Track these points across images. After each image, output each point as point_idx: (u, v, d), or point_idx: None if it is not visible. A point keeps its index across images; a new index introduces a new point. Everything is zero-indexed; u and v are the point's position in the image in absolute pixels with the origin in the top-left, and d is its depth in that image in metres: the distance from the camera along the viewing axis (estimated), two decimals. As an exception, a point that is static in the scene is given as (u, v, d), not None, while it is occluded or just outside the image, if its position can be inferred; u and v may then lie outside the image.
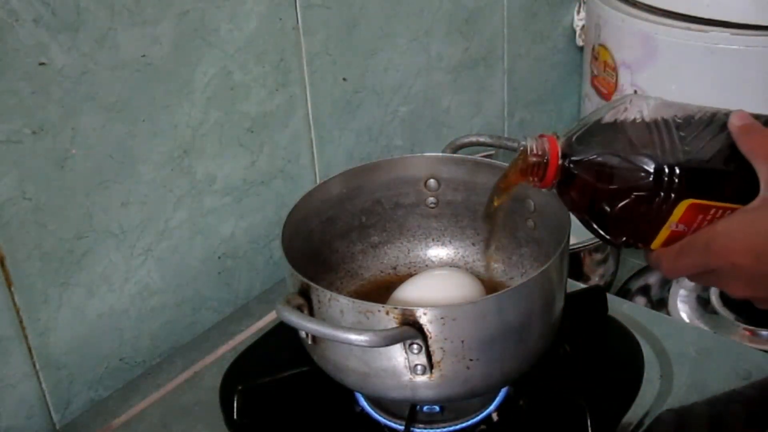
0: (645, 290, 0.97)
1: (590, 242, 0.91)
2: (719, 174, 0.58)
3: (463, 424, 0.68)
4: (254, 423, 0.69)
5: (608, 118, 0.60)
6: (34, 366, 0.71)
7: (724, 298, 0.91)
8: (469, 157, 0.77)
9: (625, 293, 0.96)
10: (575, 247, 0.90)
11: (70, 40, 0.66)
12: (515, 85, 1.12)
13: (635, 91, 1.01)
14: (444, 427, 0.67)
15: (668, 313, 0.91)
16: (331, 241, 0.76)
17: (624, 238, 0.61)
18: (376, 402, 0.70)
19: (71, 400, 0.75)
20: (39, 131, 0.66)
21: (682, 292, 0.94)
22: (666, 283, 0.96)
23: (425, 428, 0.67)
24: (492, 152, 0.98)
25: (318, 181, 0.89)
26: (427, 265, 0.79)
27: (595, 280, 0.93)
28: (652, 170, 0.57)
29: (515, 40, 1.08)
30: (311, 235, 0.73)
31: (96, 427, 0.71)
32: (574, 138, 0.60)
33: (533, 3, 1.09)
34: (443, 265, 0.79)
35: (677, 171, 0.57)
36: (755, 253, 0.56)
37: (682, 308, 0.91)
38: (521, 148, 0.61)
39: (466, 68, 1.03)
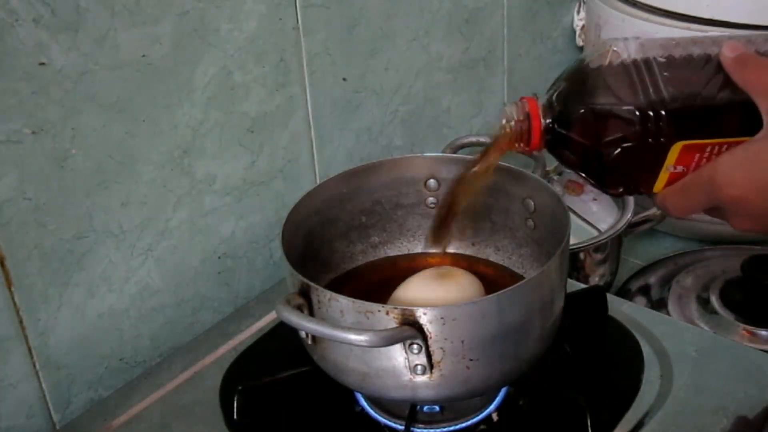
0: (645, 290, 0.97)
1: (590, 242, 0.91)
2: (709, 111, 0.57)
3: (463, 424, 0.68)
4: (254, 423, 0.69)
5: (588, 68, 0.58)
6: (34, 366, 0.71)
7: (724, 298, 0.91)
8: (469, 157, 0.76)
9: (625, 293, 0.96)
10: (575, 247, 0.90)
11: (70, 40, 0.66)
12: (515, 85, 1.12)
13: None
14: (444, 427, 0.67)
15: (668, 313, 0.91)
16: (331, 241, 0.76)
17: (621, 189, 0.60)
18: (376, 402, 0.70)
19: (71, 400, 0.75)
20: (39, 131, 0.66)
21: (682, 292, 0.94)
22: (666, 283, 0.96)
23: (425, 428, 0.67)
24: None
25: (318, 181, 0.89)
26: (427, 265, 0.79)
27: (595, 280, 0.93)
28: (636, 119, 0.55)
29: (515, 40, 1.08)
30: (311, 235, 0.73)
31: (96, 427, 0.71)
32: (554, 96, 0.59)
33: (533, 3, 1.09)
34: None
35: (663, 115, 0.55)
36: (758, 185, 0.55)
37: (682, 308, 0.91)
38: (503, 115, 0.60)
39: (466, 68, 1.03)
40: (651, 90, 0.56)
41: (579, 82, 0.59)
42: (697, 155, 0.57)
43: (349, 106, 0.90)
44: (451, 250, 0.79)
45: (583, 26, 1.14)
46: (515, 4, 1.06)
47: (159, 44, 0.72)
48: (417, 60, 0.96)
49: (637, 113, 0.55)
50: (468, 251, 0.79)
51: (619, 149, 0.56)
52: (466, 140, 0.96)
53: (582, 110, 0.57)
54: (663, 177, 0.58)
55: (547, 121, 0.59)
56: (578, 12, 1.15)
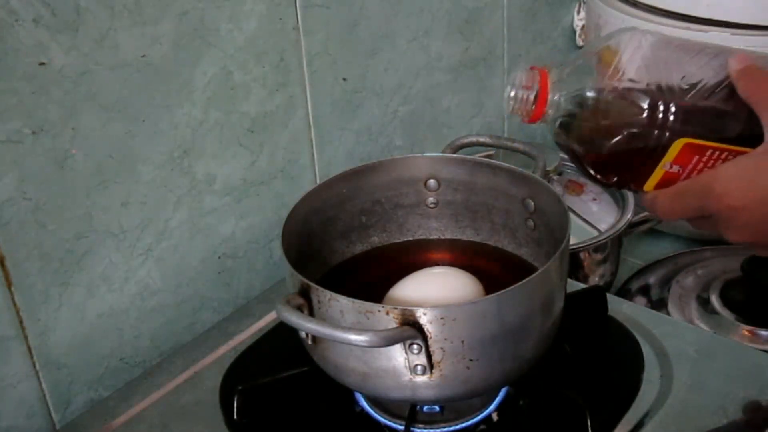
0: (645, 290, 0.97)
1: (590, 242, 0.91)
2: (717, 113, 0.57)
3: (463, 424, 0.68)
4: (254, 423, 0.69)
5: (604, 51, 0.58)
6: (34, 366, 0.71)
7: (724, 298, 0.91)
8: (469, 157, 0.77)
9: (625, 293, 0.96)
10: (575, 247, 0.90)
11: (70, 40, 0.66)
12: (515, 85, 1.12)
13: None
14: (444, 427, 0.67)
15: (668, 313, 0.91)
16: (331, 241, 0.75)
17: (615, 178, 0.60)
18: (376, 402, 0.70)
19: (71, 400, 0.75)
20: (39, 131, 0.66)
21: (682, 292, 0.94)
22: (666, 283, 0.96)
23: (425, 428, 0.67)
24: (492, 152, 0.98)
25: (318, 181, 0.89)
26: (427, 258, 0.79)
27: (595, 280, 0.93)
28: (646, 106, 0.55)
29: (515, 40, 1.08)
30: (311, 235, 0.73)
31: (96, 427, 0.71)
32: (566, 72, 0.59)
33: (533, 3, 1.09)
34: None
35: (672, 108, 0.55)
36: (757, 198, 0.55)
37: (682, 308, 0.91)
38: (512, 79, 0.60)
39: (466, 68, 1.03)
40: (664, 81, 0.56)
41: (592, 65, 0.59)
42: (696, 157, 0.57)
43: (349, 106, 0.90)
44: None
45: (583, 26, 1.14)
46: (515, 4, 1.06)
47: (159, 44, 0.72)
48: (417, 60, 0.96)
49: (648, 101, 0.56)
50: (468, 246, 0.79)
51: (622, 135, 0.56)
52: (466, 140, 0.96)
53: (592, 91, 0.57)
54: (657, 174, 0.58)
55: (555, 96, 0.59)
56: (578, 12, 1.15)
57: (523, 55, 1.11)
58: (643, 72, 0.57)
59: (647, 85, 0.56)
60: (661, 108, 0.55)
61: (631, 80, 0.57)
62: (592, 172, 0.60)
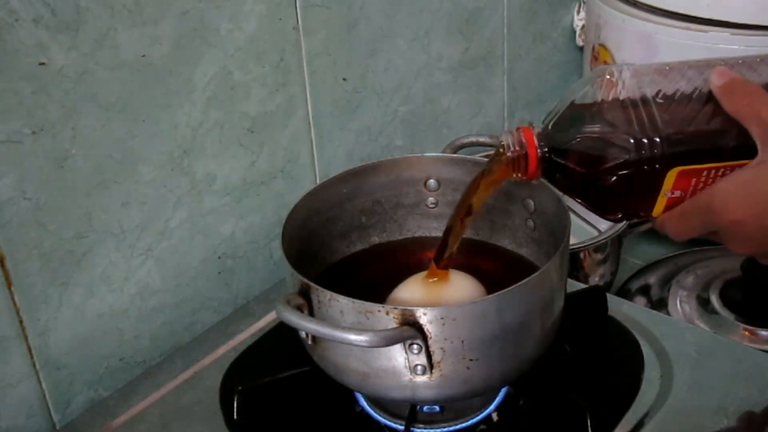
0: (645, 290, 0.97)
1: (590, 242, 0.91)
2: (703, 137, 0.57)
3: (463, 424, 0.68)
4: (254, 423, 0.69)
5: (583, 97, 0.59)
6: (34, 366, 0.71)
7: (724, 298, 0.91)
8: (469, 157, 0.77)
9: (625, 293, 0.96)
10: (575, 247, 0.90)
11: (70, 40, 0.66)
12: (515, 85, 1.12)
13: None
14: (444, 427, 0.67)
15: (668, 313, 0.91)
16: (331, 241, 0.76)
17: (620, 215, 0.60)
18: (376, 402, 0.70)
19: (71, 400, 0.75)
20: (39, 131, 0.66)
21: (682, 292, 0.94)
22: (666, 283, 0.96)
23: (425, 428, 0.67)
24: (492, 152, 0.98)
25: (318, 181, 0.89)
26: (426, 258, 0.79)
27: (595, 280, 0.93)
28: (631, 147, 0.55)
29: (515, 40, 1.08)
30: (311, 236, 0.73)
31: (96, 427, 0.71)
32: (550, 125, 0.59)
33: (533, 3, 1.09)
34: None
35: (658, 142, 0.55)
36: (755, 212, 0.55)
37: (682, 308, 0.91)
38: (500, 144, 0.60)
39: (466, 68, 1.03)
40: (645, 117, 0.56)
41: (574, 111, 0.59)
42: (694, 179, 0.57)
43: (349, 106, 0.90)
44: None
45: (583, 26, 1.14)
46: (515, 4, 1.06)
47: (159, 44, 0.72)
48: (417, 60, 0.96)
49: (632, 140, 0.56)
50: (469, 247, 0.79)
51: (615, 177, 0.56)
52: (466, 140, 0.96)
53: (577, 139, 0.58)
54: (661, 202, 0.58)
55: (544, 150, 0.59)
56: (578, 12, 1.15)
57: (523, 55, 1.11)
58: (622, 110, 0.57)
59: (629, 121, 0.56)
60: (647, 144, 0.55)
61: (612, 120, 0.57)
62: (597, 211, 0.60)
